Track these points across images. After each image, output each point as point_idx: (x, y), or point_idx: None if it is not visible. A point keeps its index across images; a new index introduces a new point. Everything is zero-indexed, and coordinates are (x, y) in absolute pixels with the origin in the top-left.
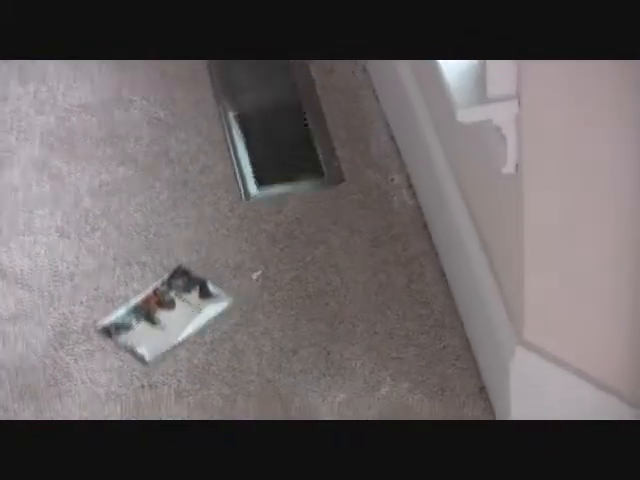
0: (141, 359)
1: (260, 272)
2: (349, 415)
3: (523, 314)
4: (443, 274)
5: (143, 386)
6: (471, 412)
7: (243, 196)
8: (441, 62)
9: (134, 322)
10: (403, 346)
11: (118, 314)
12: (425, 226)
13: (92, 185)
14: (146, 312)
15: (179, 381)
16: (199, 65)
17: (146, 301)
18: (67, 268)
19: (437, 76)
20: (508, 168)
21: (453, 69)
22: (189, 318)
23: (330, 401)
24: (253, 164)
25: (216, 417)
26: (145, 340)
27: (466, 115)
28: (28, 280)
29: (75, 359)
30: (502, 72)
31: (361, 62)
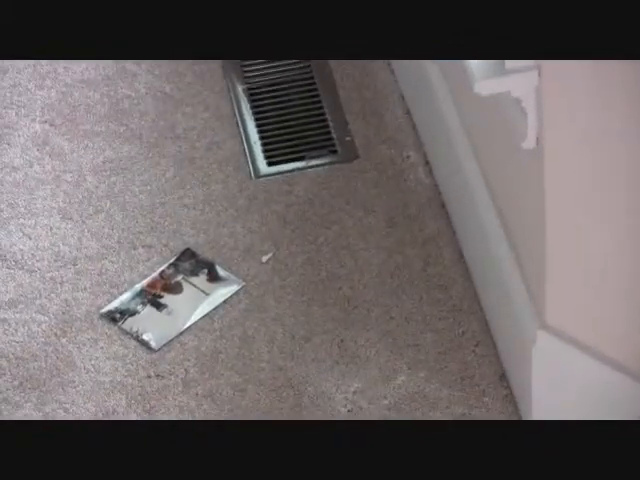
0: (147, 346)
1: (271, 255)
2: (364, 405)
3: (545, 297)
4: (461, 255)
5: (149, 376)
6: (491, 401)
7: (252, 174)
8: None
9: (140, 307)
10: (420, 332)
11: (123, 299)
12: (442, 205)
13: (95, 163)
14: (152, 296)
15: (186, 370)
16: None
17: (152, 285)
18: (70, 252)
19: None
20: (528, 143)
21: None
22: (197, 302)
23: (344, 390)
24: (263, 140)
25: (226, 407)
26: (151, 326)
27: (484, 87)
28: (29, 264)
29: (78, 347)
30: None
31: None
